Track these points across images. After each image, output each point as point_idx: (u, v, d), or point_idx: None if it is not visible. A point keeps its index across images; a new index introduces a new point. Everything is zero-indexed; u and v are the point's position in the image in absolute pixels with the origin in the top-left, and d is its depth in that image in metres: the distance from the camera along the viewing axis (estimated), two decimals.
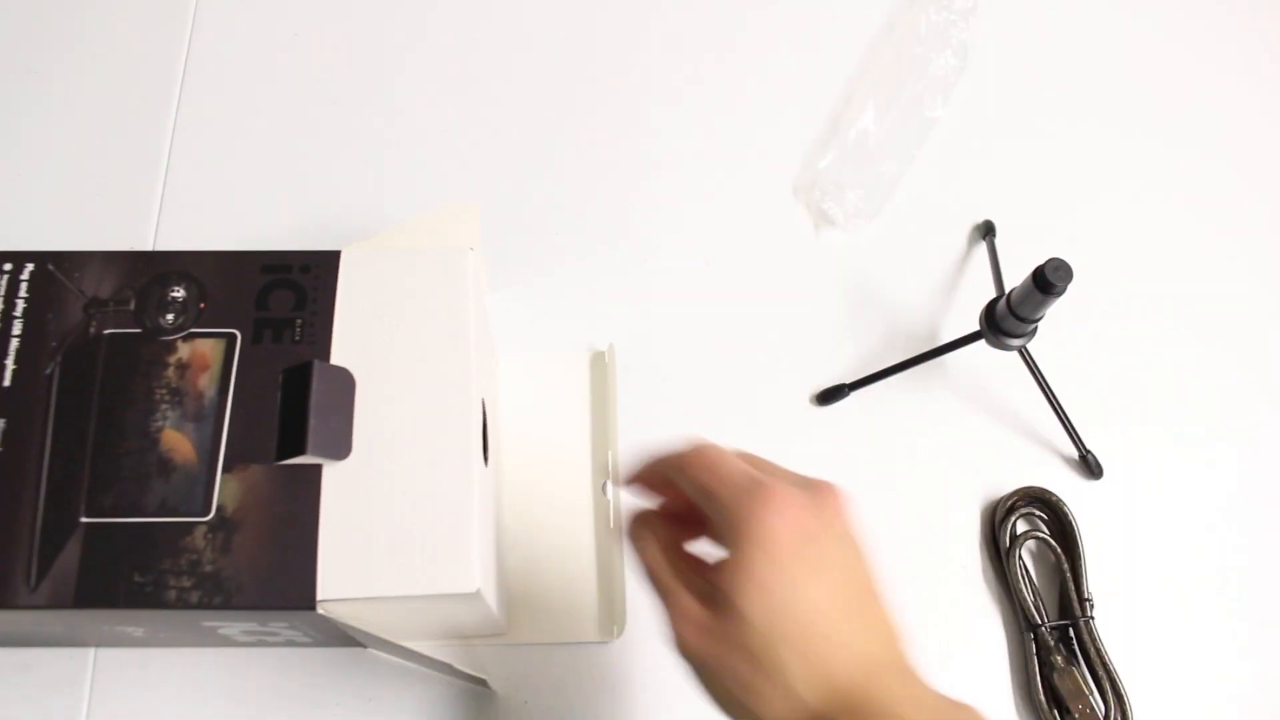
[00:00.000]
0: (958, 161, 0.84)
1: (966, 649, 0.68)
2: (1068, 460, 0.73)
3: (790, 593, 0.41)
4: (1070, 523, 0.69)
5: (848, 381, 0.74)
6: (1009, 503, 0.70)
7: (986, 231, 0.80)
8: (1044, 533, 0.69)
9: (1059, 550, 0.68)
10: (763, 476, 0.44)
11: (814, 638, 0.41)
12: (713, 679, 0.42)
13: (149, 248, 0.79)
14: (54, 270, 0.58)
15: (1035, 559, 0.70)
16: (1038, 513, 0.70)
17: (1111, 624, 0.67)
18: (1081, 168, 0.85)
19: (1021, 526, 0.70)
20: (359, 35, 0.89)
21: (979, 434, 0.74)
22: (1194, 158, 0.86)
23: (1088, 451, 0.72)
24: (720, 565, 0.43)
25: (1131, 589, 0.70)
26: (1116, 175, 0.85)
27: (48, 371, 0.55)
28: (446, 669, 0.61)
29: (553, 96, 0.87)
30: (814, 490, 0.44)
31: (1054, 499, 0.70)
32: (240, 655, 0.65)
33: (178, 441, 0.53)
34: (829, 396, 0.74)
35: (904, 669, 0.43)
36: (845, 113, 0.85)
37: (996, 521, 0.70)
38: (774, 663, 0.40)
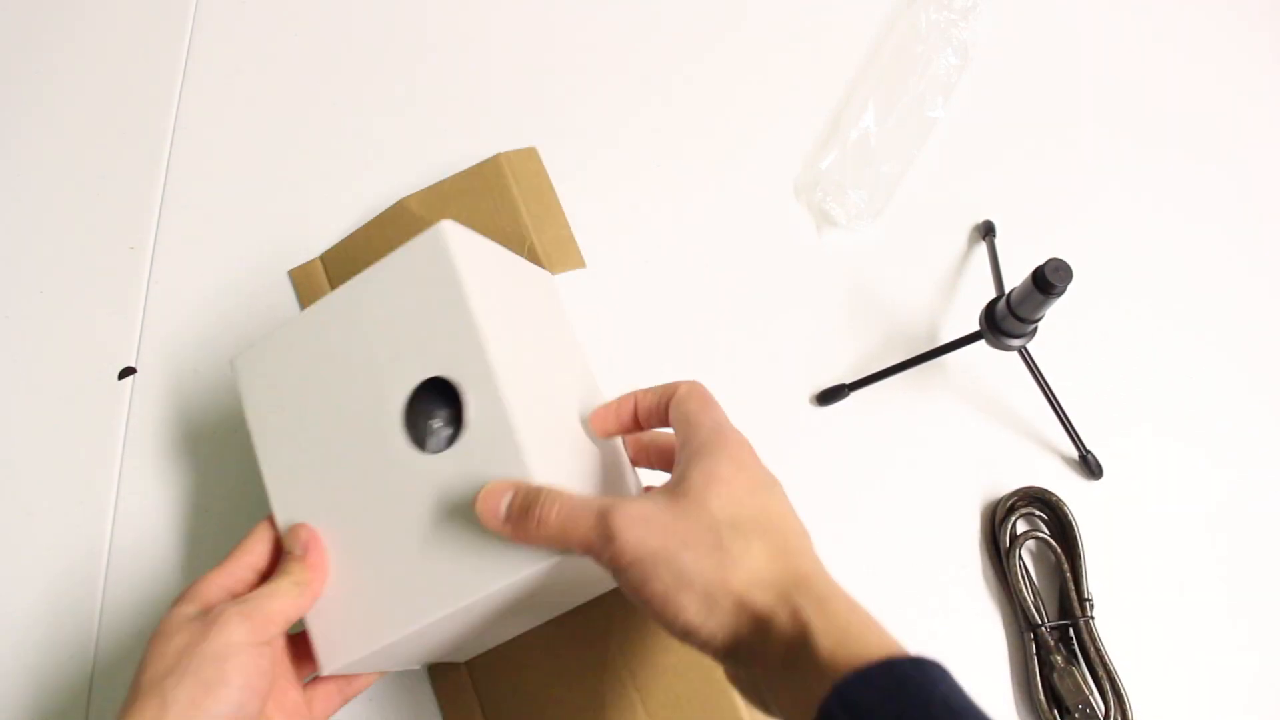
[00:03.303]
0: (958, 161, 0.84)
1: (966, 649, 0.68)
2: (1068, 460, 0.73)
3: (754, 497, 0.47)
4: (1070, 523, 0.69)
5: (848, 381, 0.74)
6: (1009, 503, 0.70)
7: (986, 231, 0.79)
8: (1044, 533, 0.69)
9: (1059, 550, 0.68)
10: None
11: (773, 530, 0.47)
12: (662, 568, 0.44)
13: (149, 248, 0.79)
14: None
15: (1035, 559, 0.70)
16: (1038, 513, 0.70)
17: (1111, 624, 0.67)
18: (1081, 168, 0.85)
19: (1021, 526, 0.70)
20: (359, 35, 0.89)
21: (979, 434, 0.74)
22: (1194, 157, 0.85)
23: (1088, 451, 0.72)
24: (678, 476, 0.49)
25: (1131, 589, 0.70)
26: (1116, 175, 0.85)
27: None
28: None
29: (554, 98, 0.87)
30: None
31: (1054, 499, 0.70)
32: None
33: None
34: (829, 396, 0.74)
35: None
36: (846, 112, 0.85)
37: (996, 521, 0.70)
38: (736, 543, 0.45)
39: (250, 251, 0.80)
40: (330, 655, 0.51)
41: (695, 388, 0.55)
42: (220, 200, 0.82)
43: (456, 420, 0.52)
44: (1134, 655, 0.66)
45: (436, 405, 0.55)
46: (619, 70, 0.88)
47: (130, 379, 0.75)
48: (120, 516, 0.70)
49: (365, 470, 0.53)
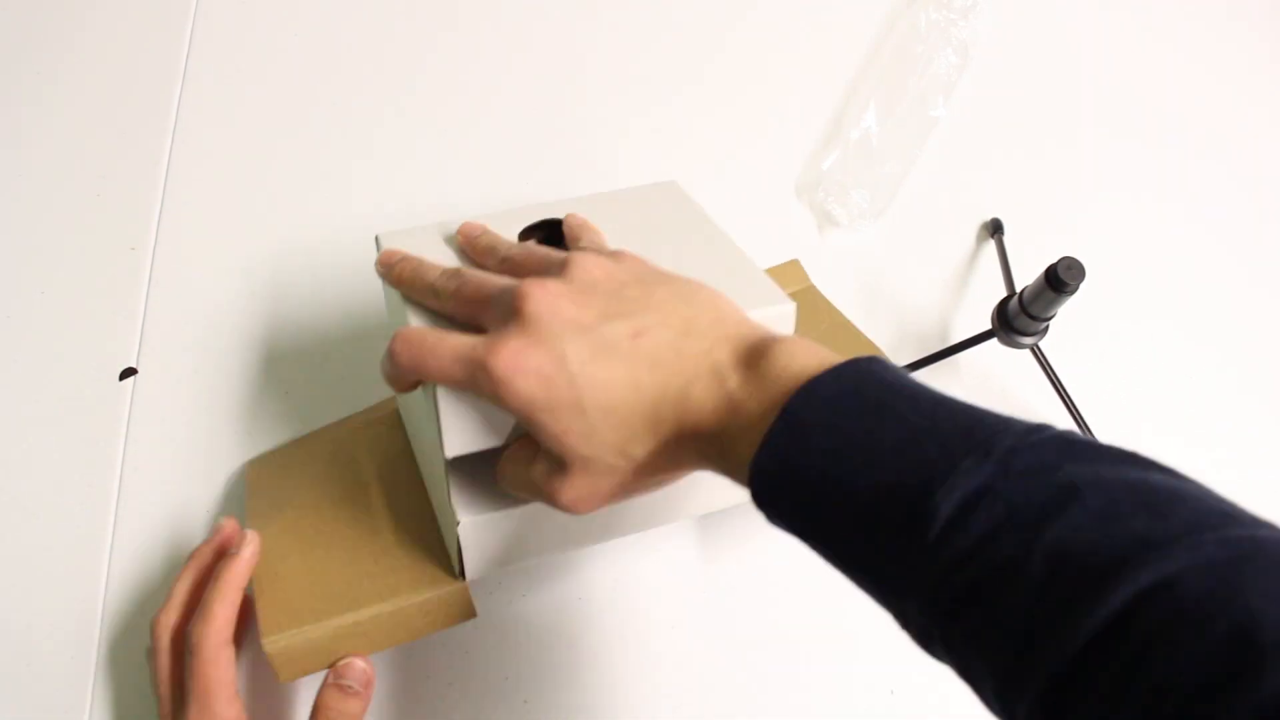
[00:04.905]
0: (961, 160, 0.85)
1: None
2: None
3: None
4: None
5: None
6: None
7: (995, 230, 0.80)
8: None
9: None
10: None
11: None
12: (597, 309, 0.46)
13: (150, 248, 0.79)
14: None
15: None
16: None
17: None
18: (1086, 165, 0.85)
19: None
20: (360, 35, 0.89)
21: None
22: (1195, 154, 0.86)
23: None
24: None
25: None
26: (1121, 172, 0.85)
27: None
28: None
29: (554, 97, 0.87)
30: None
31: None
32: None
33: None
34: None
35: None
36: (847, 112, 0.85)
37: None
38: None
39: (251, 252, 0.79)
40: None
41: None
42: (221, 200, 0.81)
43: None
44: None
45: None
46: (619, 70, 0.88)
47: (131, 380, 0.74)
48: (121, 518, 0.70)
49: None
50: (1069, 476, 0.34)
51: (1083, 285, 0.61)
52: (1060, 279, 0.60)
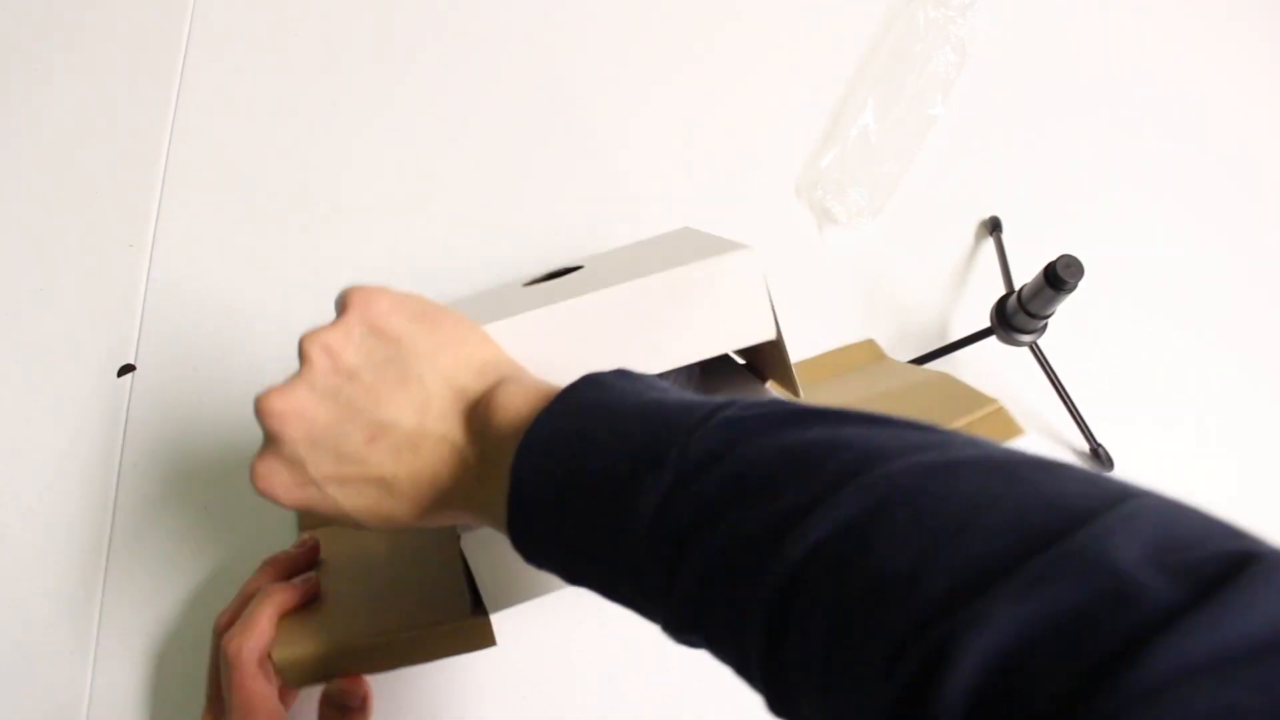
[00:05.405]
0: (959, 158, 0.85)
1: None
2: (1079, 453, 0.73)
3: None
4: None
5: None
6: None
7: (993, 228, 0.80)
8: None
9: None
10: None
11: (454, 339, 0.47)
12: (350, 417, 0.45)
13: (148, 245, 0.79)
14: None
15: None
16: None
17: None
18: (1085, 162, 0.85)
19: None
20: (359, 34, 0.89)
21: None
22: (1194, 150, 0.86)
23: (1098, 445, 0.72)
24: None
25: None
26: (1120, 170, 0.85)
27: None
28: None
29: (552, 98, 0.86)
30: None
31: None
32: None
33: None
34: None
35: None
36: (846, 111, 0.85)
37: None
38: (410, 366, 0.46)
39: (249, 248, 0.79)
40: None
41: None
42: (219, 197, 0.81)
43: None
44: None
45: None
46: (617, 70, 0.88)
47: (129, 376, 0.74)
48: (120, 513, 0.70)
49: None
50: (733, 464, 0.35)
51: (1081, 283, 0.61)
52: (1059, 277, 0.60)
